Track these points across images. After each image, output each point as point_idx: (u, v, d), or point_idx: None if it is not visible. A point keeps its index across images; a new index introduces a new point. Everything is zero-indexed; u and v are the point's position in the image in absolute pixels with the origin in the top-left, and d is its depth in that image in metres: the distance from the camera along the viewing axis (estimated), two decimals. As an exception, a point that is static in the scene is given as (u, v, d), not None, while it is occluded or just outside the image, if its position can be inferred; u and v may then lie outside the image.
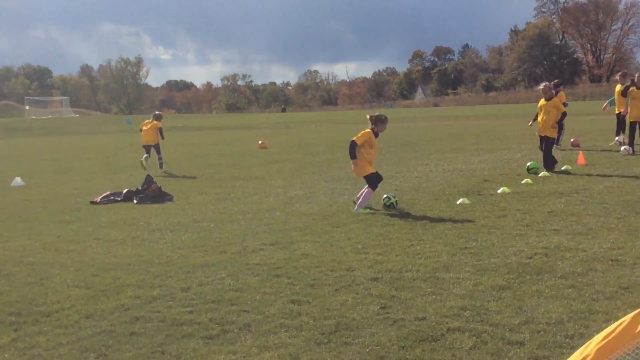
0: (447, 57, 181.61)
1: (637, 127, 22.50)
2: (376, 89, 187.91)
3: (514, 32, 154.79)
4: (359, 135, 13.81)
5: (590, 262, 8.92)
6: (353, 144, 13.72)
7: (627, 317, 2.69)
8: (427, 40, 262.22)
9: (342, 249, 10.35)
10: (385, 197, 13.87)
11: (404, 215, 12.91)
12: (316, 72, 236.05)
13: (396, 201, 13.79)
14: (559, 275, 8.38)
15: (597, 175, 17.58)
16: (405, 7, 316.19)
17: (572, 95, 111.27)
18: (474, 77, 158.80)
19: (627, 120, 23.27)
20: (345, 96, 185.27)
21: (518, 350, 6.04)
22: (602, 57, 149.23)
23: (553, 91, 19.82)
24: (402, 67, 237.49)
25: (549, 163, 18.90)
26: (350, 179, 19.11)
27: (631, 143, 22.64)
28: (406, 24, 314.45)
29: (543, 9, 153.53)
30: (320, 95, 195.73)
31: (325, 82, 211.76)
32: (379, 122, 13.94)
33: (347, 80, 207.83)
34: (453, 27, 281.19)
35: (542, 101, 19.52)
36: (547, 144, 19.20)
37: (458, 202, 14.02)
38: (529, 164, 19.00)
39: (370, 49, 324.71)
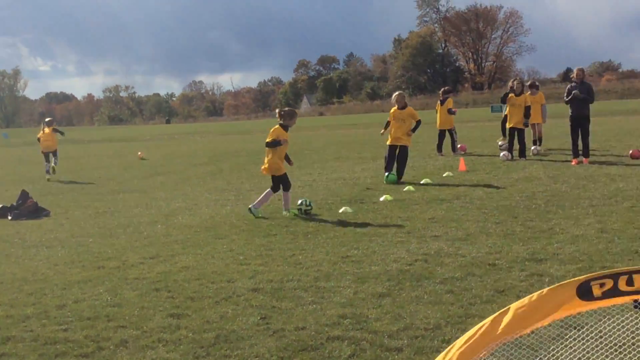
0: (332, 66, 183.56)
1: (516, 133, 23.11)
2: (262, 99, 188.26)
3: (398, 41, 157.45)
4: (271, 134, 14.09)
5: (469, 267, 9.07)
6: (273, 143, 14.02)
7: (487, 320, 2.71)
8: (312, 49, 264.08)
9: (223, 260, 10.24)
10: (303, 202, 14.11)
11: (287, 225, 12.89)
12: (201, 82, 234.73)
13: (310, 204, 14.15)
14: (438, 281, 8.49)
15: (478, 181, 17.99)
16: (290, 16, 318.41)
17: (456, 102, 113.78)
18: (359, 86, 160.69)
19: (507, 127, 23.89)
20: (230, 107, 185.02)
21: (396, 356, 6.07)
22: (483, 65, 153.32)
23: (405, 101, 19.67)
24: (287, 76, 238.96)
25: (401, 173, 19.09)
26: (234, 190, 19.03)
27: (510, 149, 23.27)
28: (291, 33, 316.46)
29: (425, 18, 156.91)
30: (205, 106, 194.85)
31: (210, 93, 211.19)
32: (287, 117, 14.25)
33: (233, 90, 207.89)
34: (338, 37, 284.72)
35: (394, 109, 19.31)
36: (402, 152, 19.14)
37: (340, 211, 14.10)
38: (390, 174, 18.78)
39: (255, 59, 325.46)
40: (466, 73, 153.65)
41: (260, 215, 13.84)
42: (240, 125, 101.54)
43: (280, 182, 14.12)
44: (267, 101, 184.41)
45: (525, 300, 2.70)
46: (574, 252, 9.56)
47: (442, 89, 28.49)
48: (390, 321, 7.05)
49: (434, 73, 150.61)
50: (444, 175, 19.43)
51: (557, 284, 2.72)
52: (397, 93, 19.85)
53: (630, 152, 21.59)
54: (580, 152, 20.84)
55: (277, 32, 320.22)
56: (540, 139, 25.26)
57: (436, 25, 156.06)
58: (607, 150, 24.78)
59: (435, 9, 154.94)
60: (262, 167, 14.41)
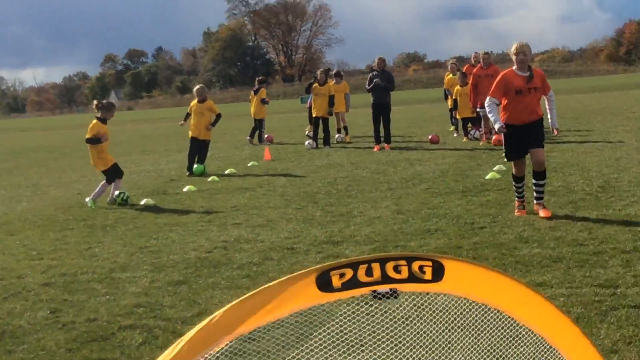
0: (141, 60, 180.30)
1: (321, 122, 23.35)
2: (67, 95, 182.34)
3: (208, 35, 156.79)
4: (90, 130, 13.92)
5: (267, 252, 9.15)
6: (93, 140, 13.92)
7: (221, 311, 2.67)
8: (119, 43, 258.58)
9: (14, 256, 9.85)
10: (121, 194, 13.81)
11: (85, 219, 12.57)
12: (1, 78, 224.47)
13: (128, 197, 13.85)
14: (235, 267, 8.51)
15: (282, 169, 18.19)
16: (95, 9, 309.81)
17: (267, 95, 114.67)
18: (169, 80, 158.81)
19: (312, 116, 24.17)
20: (34, 103, 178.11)
21: (188, 342, 6.03)
22: (293, 57, 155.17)
23: (206, 94, 19.02)
24: (94, 71, 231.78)
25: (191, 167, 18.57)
26: (31, 186, 18.36)
27: (315, 138, 23.60)
28: (97, 27, 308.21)
29: (234, 11, 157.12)
30: (6, 103, 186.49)
31: (11, 89, 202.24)
32: (105, 110, 14.08)
33: (36, 86, 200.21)
34: (146, 30, 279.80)
35: (194, 102, 18.82)
36: (202, 147, 18.67)
37: (142, 203, 13.88)
38: (195, 166, 18.33)
39: (59, 54, 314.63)
40: (276, 65, 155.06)
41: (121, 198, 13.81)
42: (43, 121, 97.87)
43: (106, 174, 13.89)
44: (73, 97, 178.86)
45: (262, 288, 2.66)
46: (370, 233, 9.83)
47: (257, 79, 28.54)
48: (185, 307, 7.01)
49: (244, 66, 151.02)
50: (249, 164, 19.53)
51: (297, 272, 2.69)
52: (198, 86, 19.41)
53: (430, 137, 22.48)
54: (382, 139, 21.48)
55: (82, 26, 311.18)
56: (345, 128, 25.77)
57: (246, 18, 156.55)
58: (408, 136, 25.69)
59: (244, 2, 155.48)
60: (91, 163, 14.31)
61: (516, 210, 10.38)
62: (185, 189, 15.34)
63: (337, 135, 24.93)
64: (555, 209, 10.41)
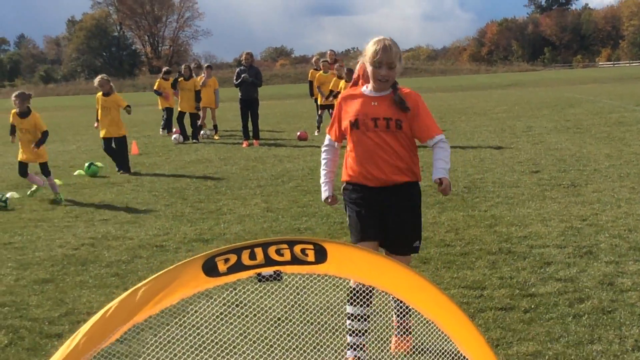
0: (2, 48, 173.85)
1: (189, 116, 23.26)
2: None
3: (72, 23, 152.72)
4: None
5: (136, 250, 9.04)
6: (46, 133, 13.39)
7: (114, 302, 2.70)
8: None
9: None
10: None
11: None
12: None
13: (6, 199, 12.81)
14: (104, 265, 8.37)
15: (150, 164, 17.96)
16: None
17: (133, 86, 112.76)
18: (32, 69, 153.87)
19: (178, 110, 24.00)
20: None
21: (56, 342, 5.91)
22: (160, 49, 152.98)
23: (111, 84, 16.82)
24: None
25: (125, 164, 16.60)
26: None
27: (182, 132, 23.40)
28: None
29: (99, 0, 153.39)
30: None
31: None
32: (20, 100, 13.47)
33: None
34: (7, 17, 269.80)
35: (99, 95, 16.75)
36: (119, 144, 16.62)
37: (7, 196, 13.43)
38: (87, 165, 16.52)
39: None
40: (143, 57, 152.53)
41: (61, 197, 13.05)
42: None
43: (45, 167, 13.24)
44: None
45: (151, 279, 2.72)
46: (240, 231, 9.85)
47: (163, 69, 27.67)
48: (52, 307, 6.86)
49: (110, 56, 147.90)
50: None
51: (182, 261, 2.76)
52: (99, 77, 16.98)
53: (298, 133, 22.65)
54: (251, 134, 21.50)
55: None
56: (215, 126, 25.42)
57: (111, 7, 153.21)
58: (277, 132, 25.80)
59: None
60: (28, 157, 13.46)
61: None
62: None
63: (202, 132, 24.72)
64: (423, 209, 10.67)
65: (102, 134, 16.61)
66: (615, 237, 8.40)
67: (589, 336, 5.52)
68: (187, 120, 23.51)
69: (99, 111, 16.60)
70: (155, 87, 25.82)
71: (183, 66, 24.08)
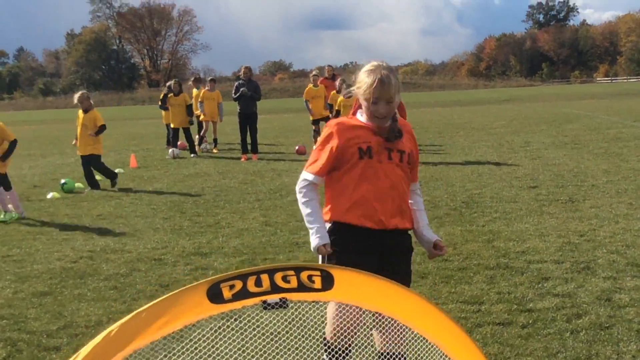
0: (2, 61, 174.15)
1: (182, 131, 22.81)
2: None
3: (71, 36, 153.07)
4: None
5: (134, 263, 9.04)
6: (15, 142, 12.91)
7: (115, 326, 2.68)
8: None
9: None
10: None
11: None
12: None
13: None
14: (102, 278, 8.38)
15: (148, 177, 17.98)
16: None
17: (132, 99, 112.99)
18: (31, 82, 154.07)
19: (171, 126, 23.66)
20: None
21: (54, 355, 5.92)
22: (159, 62, 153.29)
23: (90, 102, 16.19)
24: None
25: (94, 182, 16.21)
26: None
27: (174, 144, 23.14)
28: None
29: (98, 14, 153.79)
30: None
31: None
32: None
33: None
34: (7, 30, 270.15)
35: (80, 114, 16.16)
36: (93, 162, 16.18)
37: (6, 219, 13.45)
38: (63, 181, 16.11)
39: None
40: (142, 70, 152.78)
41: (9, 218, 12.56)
42: None
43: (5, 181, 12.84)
44: None
45: (154, 303, 2.70)
46: (239, 245, 9.85)
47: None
48: (50, 320, 6.86)
49: (109, 69, 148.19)
50: (116, 171, 19.16)
51: (187, 286, 2.75)
52: (79, 93, 16.28)
53: (297, 148, 22.67)
54: (249, 148, 21.52)
55: None
56: (215, 140, 25.30)
57: (110, 21, 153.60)
58: (275, 146, 25.83)
59: (108, 5, 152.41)
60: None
61: None
62: (49, 196, 14.95)
63: (203, 145, 24.70)
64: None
65: (80, 151, 16.14)
66: (613, 253, 8.41)
67: (587, 352, 5.53)
68: (182, 136, 23.31)
69: (79, 128, 16.06)
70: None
71: (172, 82, 23.62)
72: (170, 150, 22.98)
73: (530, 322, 6.22)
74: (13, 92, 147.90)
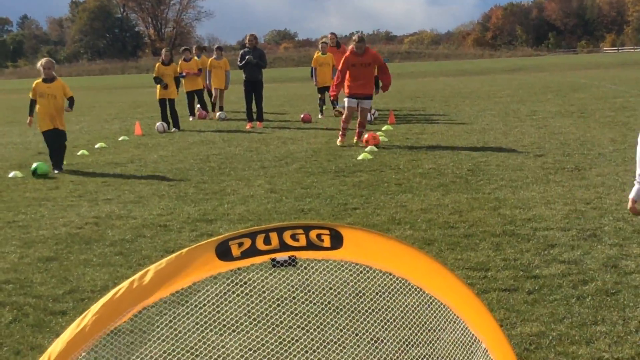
0: (5, 29, 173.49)
1: (167, 102, 21.88)
2: None
3: (75, 4, 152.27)
4: None
5: (140, 229, 9.05)
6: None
7: (126, 283, 2.69)
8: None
9: None
10: None
11: (-51, 192, 12.08)
12: None
13: None
14: (108, 243, 8.39)
15: (153, 145, 17.96)
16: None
17: (136, 68, 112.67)
18: (35, 50, 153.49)
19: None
20: None
21: (60, 319, 5.94)
22: (163, 31, 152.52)
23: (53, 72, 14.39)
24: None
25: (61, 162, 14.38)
26: None
27: (164, 119, 22.17)
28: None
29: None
30: None
31: None
32: None
33: None
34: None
35: (38, 82, 14.38)
36: (63, 139, 14.48)
37: (10, 176, 13.47)
38: (35, 165, 13.89)
39: None
40: (146, 38, 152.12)
41: None
42: None
43: None
44: None
45: (164, 261, 2.70)
46: (244, 212, 9.84)
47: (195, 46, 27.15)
48: (56, 285, 6.87)
49: (113, 38, 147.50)
50: (120, 139, 19.18)
51: (196, 245, 2.75)
52: (44, 60, 14.63)
53: (302, 116, 22.58)
54: (255, 116, 21.45)
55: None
56: (218, 106, 25.18)
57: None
58: (281, 114, 25.76)
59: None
60: None
61: None
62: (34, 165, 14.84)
63: (219, 113, 24.53)
64: (426, 191, 10.69)
65: (44, 126, 14.26)
66: (619, 220, 8.39)
67: (593, 317, 5.52)
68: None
69: (39, 101, 14.17)
70: (177, 70, 24.87)
71: (163, 50, 23.16)
72: (157, 124, 21.74)
73: (537, 288, 6.21)
74: (17, 60, 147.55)
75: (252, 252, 2.75)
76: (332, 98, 18.40)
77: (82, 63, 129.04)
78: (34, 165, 13.87)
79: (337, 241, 2.83)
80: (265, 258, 2.79)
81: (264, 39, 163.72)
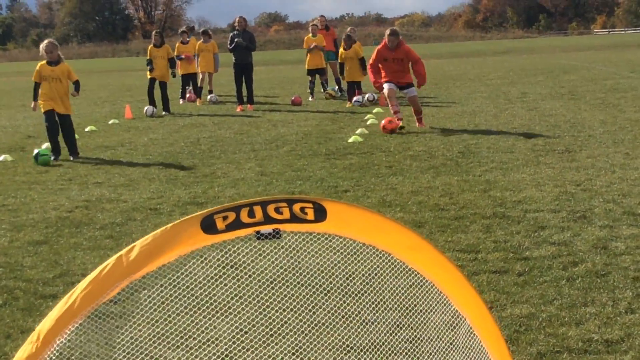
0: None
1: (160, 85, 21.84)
2: None
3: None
4: None
5: (130, 212, 9.04)
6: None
7: (112, 259, 2.70)
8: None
9: None
10: None
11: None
12: None
13: None
14: (98, 227, 8.38)
15: (144, 128, 17.91)
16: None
17: (127, 51, 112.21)
18: (24, 33, 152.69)
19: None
20: None
21: (50, 303, 5.92)
22: (153, 13, 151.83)
23: (59, 52, 13.93)
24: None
25: (75, 146, 13.83)
26: None
27: (151, 102, 21.54)
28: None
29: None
30: None
31: None
32: None
33: None
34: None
35: (42, 66, 13.83)
36: (64, 124, 13.68)
37: (0, 159, 13.46)
38: (37, 151, 13.49)
39: None
40: (136, 21, 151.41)
41: None
42: None
43: None
44: None
45: (150, 236, 2.71)
46: (234, 194, 9.84)
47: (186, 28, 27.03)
48: (46, 268, 6.87)
49: (103, 21, 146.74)
50: (110, 122, 19.13)
51: (181, 219, 2.76)
52: (48, 41, 14.14)
53: (292, 98, 22.55)
54: (245, 99, 21.40)
55: None
56: (210, 90, 25.05)
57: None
58: (271, 97, 25.71)
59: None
60: None
61: None
62: (44, 146, 14.81)
63: (210, 96, 24.43)
64: (417, 173, 10.70)
65: (46, 106, 13.59)
66: (610, 202, 8.41)
67: (583, 299, 5.54)
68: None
69: (43, 83, 13.60)
70: (175, 53, 24.76)
71: (153, 33, 23.00)
72: (146, 107, 21.28)
73: (527, 270, 6.23)
74: (6, 43, 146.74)
75: (237, 225, 2.78)
76: (375, 86, 17.32)
77: (72, 46, 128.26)
78: (37, 151, 13.40)
79: (320, 214, 2.85)
80: (250, 231, 2.82)
81: (254, 21, 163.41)
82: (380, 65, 15.52)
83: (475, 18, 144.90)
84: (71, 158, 13.47)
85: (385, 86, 15.48)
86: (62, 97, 13.62)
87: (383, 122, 15.13)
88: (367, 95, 21.33)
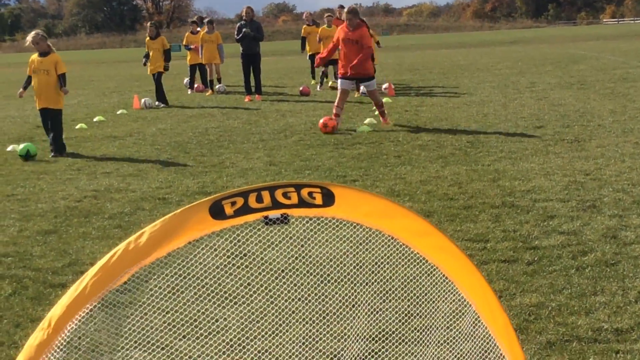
0: (3, 2, 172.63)
1: (156, 76, 21.66)
2: None
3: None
4: None
5: (139, 202, 9.04)
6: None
7: (122, 245, 2.70)
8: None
9: None
10: None
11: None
12: None
13: None
14: (107, 217, 8.38)
15: (152, 118, 17.92)
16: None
17: (135, 42, 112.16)
18: (33, 23, 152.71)
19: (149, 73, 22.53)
20: None
21: (59, 292, 5.92)
22: (161, 4, 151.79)
23: (48, 43, 13.29)
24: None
25: (60, 144, 13.17)
26: None
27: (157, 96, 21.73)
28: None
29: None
30: None
31: None
32: None
33: None
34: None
35: (34, 57, 13.22)
36: (58, 117, 13.12)
37: (8, 149, 13.46)
38: (21, 146, 13.02)
39: None
40: (144, 12, 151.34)
41: None
42: None
43: None
44: None
45: (158, 222, 2.72)
46: (243, 184, 9.83)
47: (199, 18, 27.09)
48: (55, 258, 6.88)
49: (111, 11, 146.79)
50: (118, 112, 19.14)
51: (189, 205, 2.76)
52: (34, 33, 13.37)
53: (301, 88, 22.53)
54: (253, 89, 21.38)
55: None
56: (219, 80, 25.03)
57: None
58: (279, 87, 25.69)
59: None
60: None
61: None
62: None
63: (218, 86, 24.40)
64: (425, 163, 10.68)
65: (39, 104, 13.19)
66: (619, 191, 8.38)
67: (592, 288, 5.53)
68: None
69: (37, 76, 12.99)
70: (184, 42, 24.88)
71: (149, 24, 22.92)
72: (143, 100, 21.13)
73: (536, 259, 6.22)
74: (15, 34, 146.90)
75: (245, 210, 2.78)
76: (315, 65, 17.24)
77: (81, 37, 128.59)
78: (21, 147, 12.85)
79: (328, 199, 2.84)
80: (258, 216, 2.82)
81: (262, 11, 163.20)
82: (340, 46, 14.44)
83: (484, 8, 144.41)
84: (51, 155, 12.81)
85: (340, 83, 14.78)
86: (50, 90, 12.91)
87: (322, 121, 14.31)
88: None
